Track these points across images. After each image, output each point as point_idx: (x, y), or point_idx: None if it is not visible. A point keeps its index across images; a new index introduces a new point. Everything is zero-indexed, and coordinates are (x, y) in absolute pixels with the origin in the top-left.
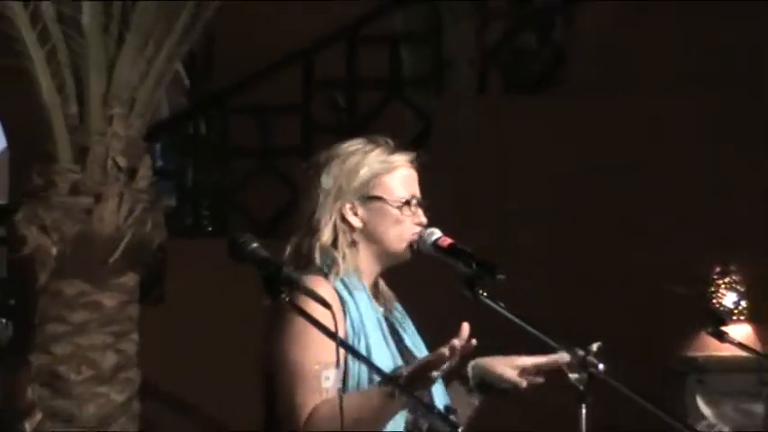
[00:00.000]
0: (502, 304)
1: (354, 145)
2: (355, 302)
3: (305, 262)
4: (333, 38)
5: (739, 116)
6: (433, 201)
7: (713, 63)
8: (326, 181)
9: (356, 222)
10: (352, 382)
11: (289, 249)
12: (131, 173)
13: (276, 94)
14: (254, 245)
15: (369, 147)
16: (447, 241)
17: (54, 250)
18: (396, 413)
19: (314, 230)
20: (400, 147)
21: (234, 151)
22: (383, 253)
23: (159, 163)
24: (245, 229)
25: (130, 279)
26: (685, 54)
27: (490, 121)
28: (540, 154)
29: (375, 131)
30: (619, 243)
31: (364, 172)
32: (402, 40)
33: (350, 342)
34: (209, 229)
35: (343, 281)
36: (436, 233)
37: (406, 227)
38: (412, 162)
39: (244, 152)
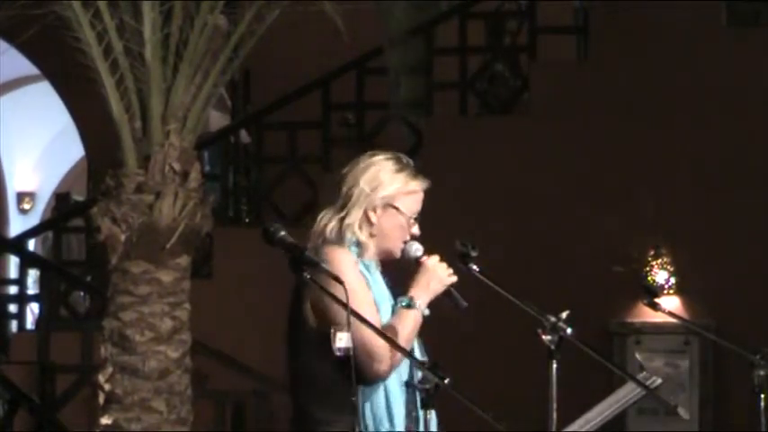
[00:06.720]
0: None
1: (390, 160)
2: (375, 280)
3: (332, 238)
4: (345, 69)
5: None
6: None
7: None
8: (365, 183)
9: (374, 220)
10: None
11: (319, 224)
12: (184, 176)
13: (301, 113)
14: (283, 233)
15: (398, 166)
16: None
17: (123, 237)
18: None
19: (345, 217)
20: (419, 173)
21: (267, 159)
22: (384, 248)
23: (207, 168)
24: (276, 221)
25: (184, 260)
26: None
27: (468, 136)
28: (507, 162)
29: (378, 144)
30: (575, 233)
31: (393, 187)
32: (399, 71)
33: None
34: (247, 220)
35: (363, 263)
36: (420, 250)
37: (404, 234)
38: (425, 189)
39: (274, 159)
